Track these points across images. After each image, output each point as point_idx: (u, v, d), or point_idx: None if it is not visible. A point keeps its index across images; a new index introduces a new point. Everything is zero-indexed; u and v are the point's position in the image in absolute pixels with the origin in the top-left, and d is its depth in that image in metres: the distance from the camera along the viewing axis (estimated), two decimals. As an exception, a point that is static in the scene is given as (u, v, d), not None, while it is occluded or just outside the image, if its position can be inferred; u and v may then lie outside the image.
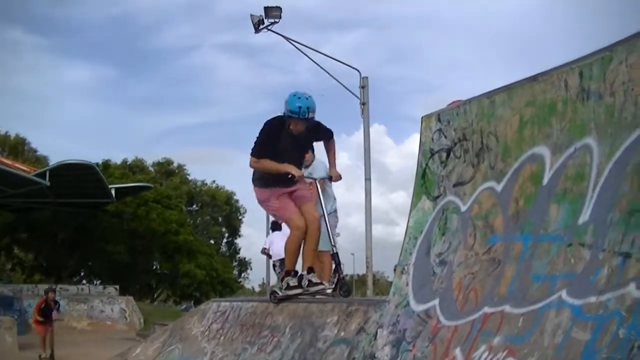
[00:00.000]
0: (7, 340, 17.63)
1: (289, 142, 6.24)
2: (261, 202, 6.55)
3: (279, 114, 6.21)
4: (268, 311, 6.33)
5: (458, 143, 4.12)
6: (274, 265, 12.95)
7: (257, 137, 6.25)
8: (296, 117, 6.04)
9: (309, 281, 6.22)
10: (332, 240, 6.70)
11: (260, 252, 13.88)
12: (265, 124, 6.24)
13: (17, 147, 50.99)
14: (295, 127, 6.16)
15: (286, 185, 6.34)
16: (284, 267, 8.55)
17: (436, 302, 3.89)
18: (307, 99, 6.10)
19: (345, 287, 6.30)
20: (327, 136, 6.68)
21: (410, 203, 4.57)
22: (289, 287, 6.21)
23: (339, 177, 6.94)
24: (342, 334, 4.88)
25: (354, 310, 4.95)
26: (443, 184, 4.25)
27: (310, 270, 6.34)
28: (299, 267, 6.47)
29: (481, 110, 3.95)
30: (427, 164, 4.45)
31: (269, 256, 13.36)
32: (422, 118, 4.56)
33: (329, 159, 6.95)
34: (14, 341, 17.88)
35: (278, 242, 11.57)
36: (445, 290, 3.87)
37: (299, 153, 6.56)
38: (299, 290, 6.18)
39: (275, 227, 12.74)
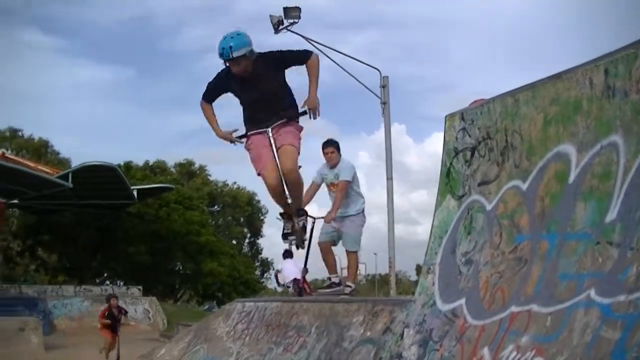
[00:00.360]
0: (33, 341, 17.94)
1: (238, 86, 6.12)
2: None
3: None
4: (293, 311, 6.36)
5: (482, 142, 4.12)
6: (287, 286, 13.04)
7: None
8: (223, 60, 5.87)
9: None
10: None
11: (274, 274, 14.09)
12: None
13: (40, 150, 51.58)
14: (236, 69, 5.91)
15: (257, 129, 6.21)
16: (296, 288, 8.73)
17: (463, 301, 3.89)
18: (230, 38, 5.79)
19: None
20: (297, 60, 6.16)
21: (435, 202, 4.57)
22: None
23: (314, 106, 6.14)
24: (369, 333, 4.90)
25: (379, 310, 4.97)
26: (468, 183, 4.25)
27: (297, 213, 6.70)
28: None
29: (505, 109, 3.94)
30: (451, 163, 4.45)
31: (278, 283, 13.57)
32: (445, 117, 4.56)
33: (309, 83, 6.20)
34: (40, 341, 18.17)
35: (288, 270, 11.78)
36: (471, 289, 3.88)
37: (258, 92, 6.09)
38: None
39: (287, 255, 12.86)
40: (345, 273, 9.59)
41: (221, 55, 5.80)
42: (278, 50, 6.17)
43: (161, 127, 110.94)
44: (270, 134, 6.14)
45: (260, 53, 6.03)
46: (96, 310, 30.19)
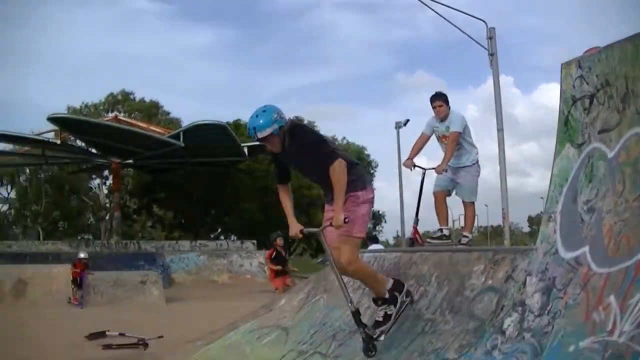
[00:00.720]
0: (154, 293, 18.80)
1: (285, 160, 5.65)
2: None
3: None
4: (412, 261, 6.46)
5: (601, 89, 4.03)
6: None
7: None
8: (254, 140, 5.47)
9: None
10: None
11: None
12: None
13: (151, 110, 53.50)
14: (269, 148, 5.50)
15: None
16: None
17: (586, 249, 3.89)
18: (255, 116, 5.35)
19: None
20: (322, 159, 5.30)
21: (554, 151, 4.54)
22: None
23: (339, 225, 5.17)
24: (490, 282, 4.97)
25: (500, 258, 5.02)
26: (587, 131, 4.19)
27: None
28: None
29: (624, 55, 3.84)
30: (569, 112, 4.39)
31: None
32: (561, 65, 4.47)
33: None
34: (161, 294, 18.95)
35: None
36: (594, 237, 3.87)
37: (302, 162, 5.56)
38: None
39: (373, 240, 12.69)
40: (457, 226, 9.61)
41: (250, 136, 5.56)
42: (308, 138, 5.50)
43: (267, 85, 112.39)
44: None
45: (291, 130, 5.42)
46: (212, 265, 31.53)
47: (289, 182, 5.83)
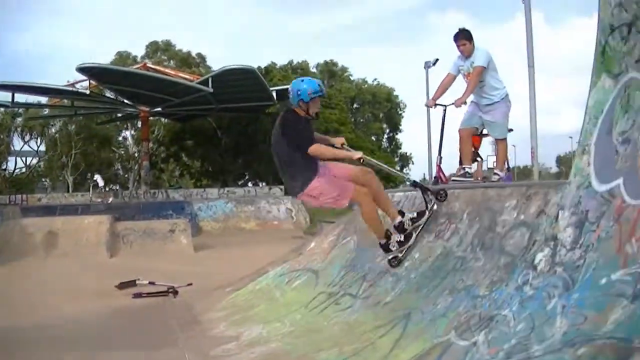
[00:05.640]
0: (183, 242, 19.09)
1: (309, 127, 6.58)
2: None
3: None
4: (444, 198, 6.45)
5: (641, 17, 3.90)
6: None
7: (292, 132, 6.40)
8: (319, 95, 6.41)
9: (411, 219, 6.35)
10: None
11: None
12: (288, 119, 6.50)
13: (189, 60, 53.31)
14: (314, 108, 6.53)
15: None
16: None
17: (620, 181, 3.82)
18: (317, 81, 6.54)
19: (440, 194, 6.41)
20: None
21: (590, 83, 4.43)
22: (400, 244, 6.32)
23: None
24: (522, 217, 4.95)
25: (533, 193, 4.98)
26: (624, 61, 4.06)
27: (400, 214, 6.46)
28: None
29: (666, -19, 3.70)
30: (606, 41, 4.25)
31: None
32: (600, -8, 4.34)
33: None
34: (189, 242, 19.24)
35: None
36: (629, 169, 3.79)
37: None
38: (411, 240, 6.29)
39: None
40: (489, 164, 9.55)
41: (319, 92, 6.40)
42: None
43: (299, 27, 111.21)
44: None
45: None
46: (240, 212, 31.61)
47: None
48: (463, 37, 8.04)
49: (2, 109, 45.62)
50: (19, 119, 50.77)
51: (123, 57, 52.14)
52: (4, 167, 52.33)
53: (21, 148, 52.99)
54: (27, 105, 43.97)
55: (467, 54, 8.02)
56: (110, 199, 18.35)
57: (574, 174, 4.43)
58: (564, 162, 66.55)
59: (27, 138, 52.83)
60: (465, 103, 8.05)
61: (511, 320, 4.01)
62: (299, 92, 6.36)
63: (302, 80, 6.49)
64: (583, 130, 4.43)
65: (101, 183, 28.76)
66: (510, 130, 8.29)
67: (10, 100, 36.98)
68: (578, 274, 3.82)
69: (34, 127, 51.57)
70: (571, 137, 58.65)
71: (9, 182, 50.44)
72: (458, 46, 8.06)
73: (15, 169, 54.25)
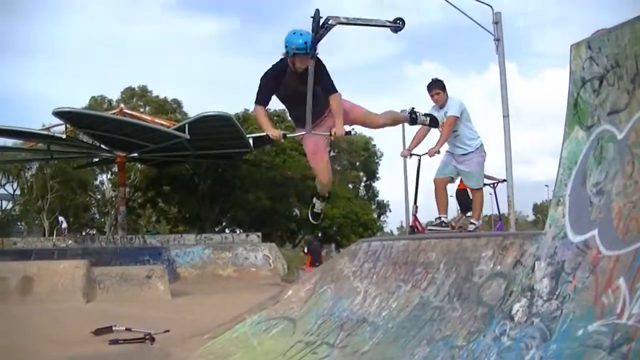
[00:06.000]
0: (160, 288, 18.71)
1: (296, 82, 6.38)
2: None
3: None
4: (420, 248, 6.44)
5: (611, 70, 3.98)
6: None
7: (260, 81, 6.40)
8: (303, 53, 6.17)
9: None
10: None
11: None
12: (271, 67, 6.42)
13: (166, 106, 53.36)
14: (301, 64, 6.26)
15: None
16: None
17: (595, 232, 3.85)
18: (307, 34, 6.18)
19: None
20: (325, 86, 6.53)
21: (563, 134, 4.50)
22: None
23: (341, 134, 6.69)
24: (498, 267, 4.94)
25: (509, 244, 4.99)
26: (596, 113, 4.14)
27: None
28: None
29: (635, 35, 3.79)
30: (578, 94, 4.34)
31: None
32: (571, 46, 4.43)
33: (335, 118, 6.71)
34: (166, 288, 18.89)
35: None
36: (604, 220, 3.83)
37: (303, 90, 6.44)
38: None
39: None
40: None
41: (302, 49, 6.15)
42: (323, 65, 6.42)
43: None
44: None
45: (319, 59, 6.35)
46: (217, 258, 31.31)
47: None
48: (436, 86, 8.14)
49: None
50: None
51: (98, 101, 52.06)
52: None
53: (-4, 191, 52.47)
54: (2, 149, 43.56)
55: (440, 104, 8.10)
56: (70, 242, 18.07)
57: (549, 224, 4.46)
58: (540, 210, 67.20)
59: (3, 182, 52.28)
60: (439, 152, 8.11)
61: (489, 372, 3.98)
62: (285, 44, 6.27)
63: (294, 33, 6.27)
64: (557, 181, 4.48)
65: (64, 225, 28.28)
66: (504, 181, 8.38)
67: (-16, 143, 36.66)
68: (555, 324, 3.82)
69: (9, 171, 51.07)
70: (547, 186, 59.42)
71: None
72: (431, 96, 8.15)
73: (-10, 212, 53.60)
